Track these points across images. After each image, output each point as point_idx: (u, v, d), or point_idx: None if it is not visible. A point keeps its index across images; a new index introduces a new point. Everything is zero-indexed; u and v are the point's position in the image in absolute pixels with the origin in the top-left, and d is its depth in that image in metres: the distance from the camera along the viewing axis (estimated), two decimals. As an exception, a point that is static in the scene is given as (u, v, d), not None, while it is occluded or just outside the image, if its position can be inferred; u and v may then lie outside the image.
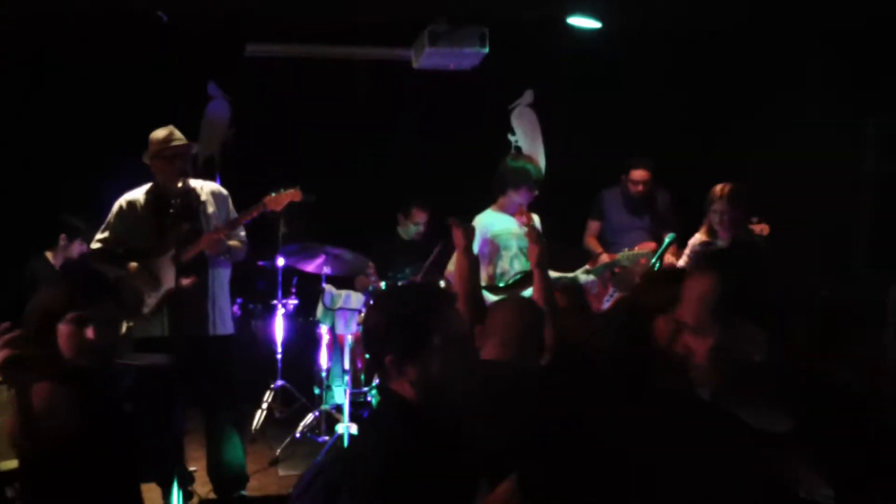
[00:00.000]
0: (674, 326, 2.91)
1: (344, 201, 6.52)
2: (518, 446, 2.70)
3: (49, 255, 5.66)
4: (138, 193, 4.48)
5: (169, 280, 4.26)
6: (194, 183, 4.50)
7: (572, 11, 6.26)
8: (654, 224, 5.89)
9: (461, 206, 4.43)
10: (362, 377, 5.88)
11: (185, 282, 4.14)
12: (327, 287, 5.70)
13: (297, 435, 5.58)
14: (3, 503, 3.17)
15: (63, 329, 2.51)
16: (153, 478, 4.26)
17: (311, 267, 5.69)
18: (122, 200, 4.48)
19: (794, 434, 1.85)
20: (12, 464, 3.07)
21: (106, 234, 4.47)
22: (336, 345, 5.87)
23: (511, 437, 2.76)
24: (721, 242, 4.87)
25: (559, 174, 6.42)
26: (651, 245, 5.54)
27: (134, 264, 4.38)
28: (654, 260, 4.95)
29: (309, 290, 6.20)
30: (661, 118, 6.58)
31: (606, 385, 3.11)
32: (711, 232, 4.87)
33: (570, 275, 5.00)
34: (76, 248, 5.68)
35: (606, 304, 5.57)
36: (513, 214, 4.93)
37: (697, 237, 4.95)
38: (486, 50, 6.05)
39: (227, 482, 4.50)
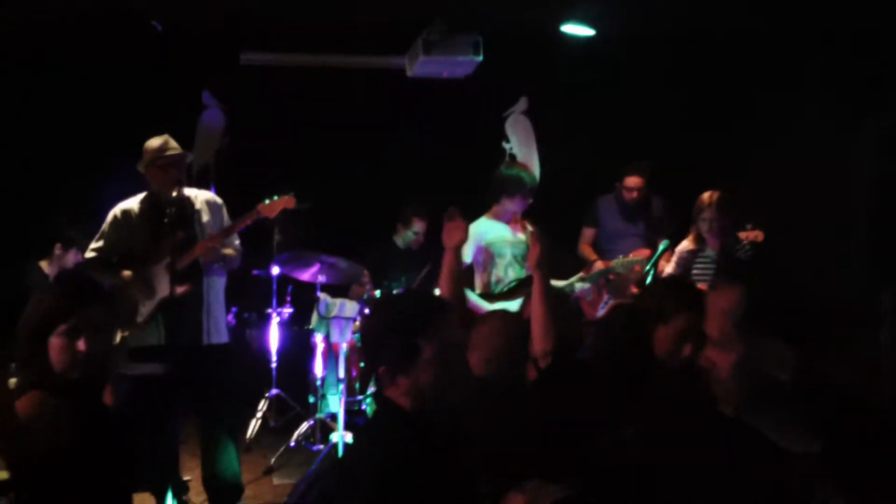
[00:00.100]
0: (675, 339, 2.95)
1: (338, 209, 6.52)
2: (520, 450, 2.71)
3: (44, 264, 5.65)
4: (133, 202, 4.47)
5: (163, 288, 4.25)
6: (189, 192, 4.50)
7: (566, 19, 6.28)
8: (648, 231, 5.90)
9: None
10: (357, 386, 5.88)
11: (180, 290, 4.15)
12: (322, 295, 5.70)
13: (292, 444, 5.58)
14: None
15: (55, 342, 2.49)
16: (148, 487, 4.24)
17: (305, 275, 5.69)
18: (116, 210, 4.48)
19: (822, 456, 1.80)
20: (3, 474, 3.06)
21: (100, 243, 4.46)
22: (331, 353, 5.87)
23: (513, 441, 2.76)
24: (710, 250, 4.89)
25: (554, 181, 6.43)
26: (645, 252, 5.54)
27: (128, 273, 4.37)
28: (648, 267, 4.95)
29: (304, 298, 6.19)
30: (655, 124, 6.60)
31: (609, 390, 3.12)
32: (699, 240, 4.88)
33: (565, 282, 5.01)
34: (71, 258, 5.68)
35: (601, 311, 5.58)
36: (507, 222, 4.93)
37: (685, 245, 4.96)
38: (480, 58, 6.06)
39: (222, 492, 4.48)
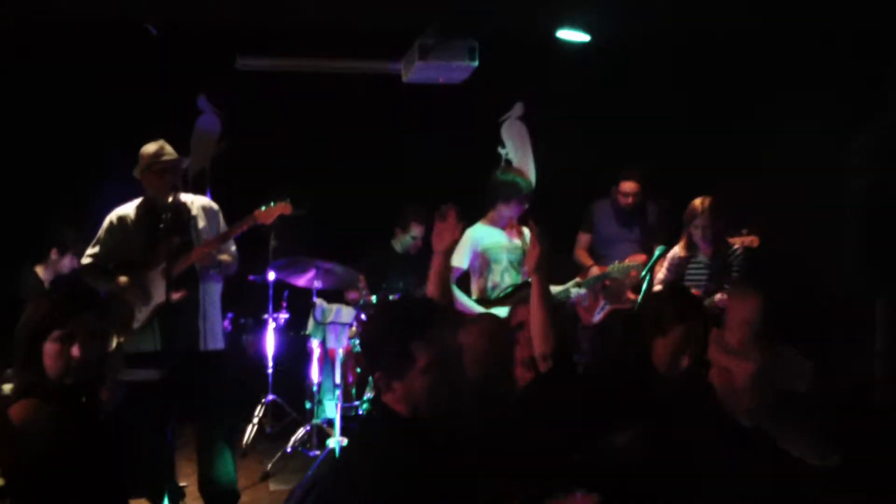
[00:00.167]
0: (673, 350, 2.96)
1: (334, 214, 6.51)
2: (517, 451, 2.71)
3: (39, 269, 5.63)
4: (129, 208, 4.47)
5: (159, 294, 4.24)
6: (185, 197, 4.50)
7: (561, 25, 6.29)
8: (644, 236, 5.89)
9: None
10: (353, 391, 5.87)
11: (176, 296, 4.14)
12: (318, 301, 5.69)
13: (289, 449, 5.57)
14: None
15: (49, 348, 2.49)
16: (144, 493, 4.23)
17: (301, 281, 5.69)
18: (112, 215, 4.48)
19: (840, 469, 1.79)
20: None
21: (96, 249, 4.46)
22: (327, 359, 5.86)
23: (508, 443, 2.76)
24: (702, 256, 4.90)
25: (549, 187, 6.44)
26: (641, 257, 5.55)
27: (124, 278, 4.37)
28: (644, 272, 4.96)
29: (300, 304, 6.18)
30: (650, 129, 6.60)
31: (607, 396, 3.12)
32: (691, 246, 4.89)
33: (561, 287, 5.01)
34: (67, 263, 5.66)
35: (598, 317, 5.58)
36: (503, 228, 4.93)
37: (676, 251, 4.97)
38: (476, 63, 6.06)
39: (219, 497, 4.47)
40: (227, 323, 6.14)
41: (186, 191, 4.64)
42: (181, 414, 4.49)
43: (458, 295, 4.81)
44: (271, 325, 6.22)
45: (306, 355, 5.99)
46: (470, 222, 4.94)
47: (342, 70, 6.88)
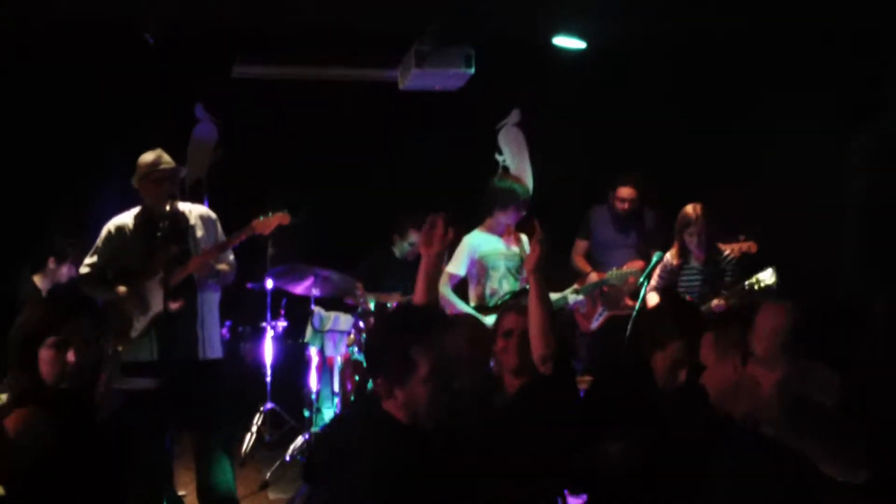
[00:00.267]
0: (670, 365, 2.97)
1: (332, 222, 6.52)
2: (515, 453, 2.71)
3: (37, 278, 5.63)
4: (126, 217, 4.47)
5: (157, 303, 4.25)
6: (183, 206, 4.50)
7: (557, 32, 6.30)
8: (641, 242, 5.90)
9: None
10: (352, 399, 5.86)
11: (174, 305, 4.14)
12: (316, 309, 5.69)
13: (287, 458, 5.55)
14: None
15: (44, 354, 2.51)
16: (142, 502, 4.22)
17: (299, 289, 5.68)
18: (110, 225, 4.48)
19: (868, 486, 1.77)
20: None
21: (94, 258, 4.46)
22: (325, 367, 5.85)
23: (502, 445, 2.77)
24: (695, 262, 4.91)
25: (546, 193, 6.44)
26: (639, 263, 5.55)
27: (123, 288, 4.37)
28: (642, 279, 4.97)
29: (298, 312, 6.18)
30: (647, 135, 6.61)
31: (605, 403, 3.13)
32: (684, 253, 4.90)
33: (559, 294, 5.01)
34: (65, 272, 5.65)
35: (595, 324, 5.59)
36: (501, 235, 4.94)
37: (668, 258, 4.98)
38: (472, 71, 6.07)
39: (217, 507, 4.46)
40: (225, 331, 6.12)
41: (184, 199, 4.64)
42: (179, 422, 4.48)
43: (457, 302, 4.82)
44: (269, 333, 6.21)
45: (304, 363, 5.98)
46: (467, 229, 4.95)
47: (339, 77, 6.89)
